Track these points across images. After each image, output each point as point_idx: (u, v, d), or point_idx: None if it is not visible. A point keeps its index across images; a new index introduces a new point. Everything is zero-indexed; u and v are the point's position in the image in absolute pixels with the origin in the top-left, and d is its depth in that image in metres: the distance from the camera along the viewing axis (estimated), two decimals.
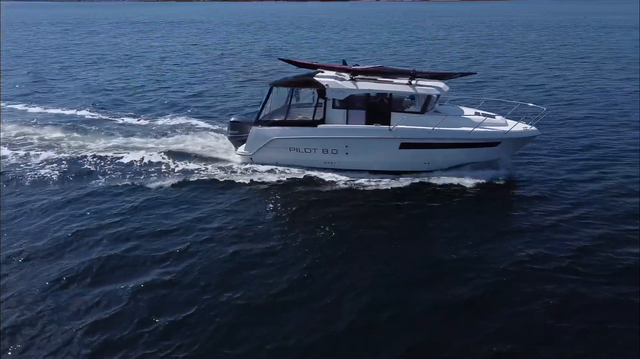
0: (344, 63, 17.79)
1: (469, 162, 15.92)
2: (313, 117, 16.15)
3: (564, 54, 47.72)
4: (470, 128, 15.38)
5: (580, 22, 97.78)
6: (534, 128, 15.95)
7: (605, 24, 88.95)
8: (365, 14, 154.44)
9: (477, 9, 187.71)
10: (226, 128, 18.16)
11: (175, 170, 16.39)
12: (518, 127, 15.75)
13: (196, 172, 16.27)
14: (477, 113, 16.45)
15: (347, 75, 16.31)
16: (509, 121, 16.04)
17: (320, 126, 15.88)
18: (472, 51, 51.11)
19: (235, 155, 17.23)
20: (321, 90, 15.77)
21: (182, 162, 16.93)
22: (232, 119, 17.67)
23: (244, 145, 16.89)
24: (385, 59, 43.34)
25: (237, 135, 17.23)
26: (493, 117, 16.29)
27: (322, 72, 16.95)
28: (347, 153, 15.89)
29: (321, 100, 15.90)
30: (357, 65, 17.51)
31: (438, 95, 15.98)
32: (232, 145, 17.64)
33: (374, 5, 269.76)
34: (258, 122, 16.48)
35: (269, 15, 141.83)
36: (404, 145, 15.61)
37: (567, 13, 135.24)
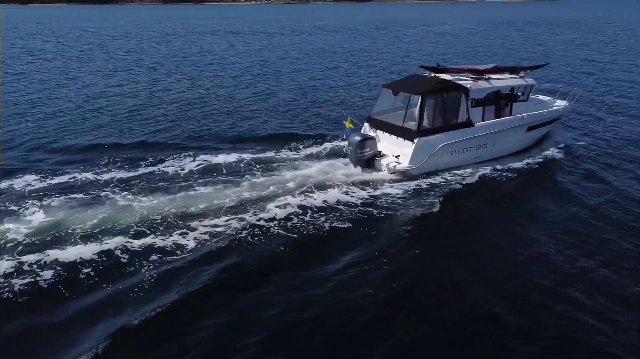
0: (438, 65, 19.98)
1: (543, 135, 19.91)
2: (462, 118, 17.24)
3: None
4: (559, 107, 19.60)
5: None
6: (568, 104, 20.22)
7: None
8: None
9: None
10: (345, 148, 17.58)
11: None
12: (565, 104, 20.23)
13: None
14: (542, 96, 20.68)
15: (464, 76, 18.29)
16: (557, 100, 20.32)
17: (477, 125, 17.47)
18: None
19: (376, 174, 16.77)
20: (467, 92, 17.34)
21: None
22: (359, 138, 16.83)
23: (393, 159, 16.75)
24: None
25: (367, 152, 16.90)
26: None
27: (431, 74, 18.58)
28: (493, 145, 17.96)
29: (467, 101, 17.25)
30: (440, 65, 19.96)
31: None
32: (354, 166, 17.26)
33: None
34: (421, 132, 16.56)
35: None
36: (529, 129, 18.77)
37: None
